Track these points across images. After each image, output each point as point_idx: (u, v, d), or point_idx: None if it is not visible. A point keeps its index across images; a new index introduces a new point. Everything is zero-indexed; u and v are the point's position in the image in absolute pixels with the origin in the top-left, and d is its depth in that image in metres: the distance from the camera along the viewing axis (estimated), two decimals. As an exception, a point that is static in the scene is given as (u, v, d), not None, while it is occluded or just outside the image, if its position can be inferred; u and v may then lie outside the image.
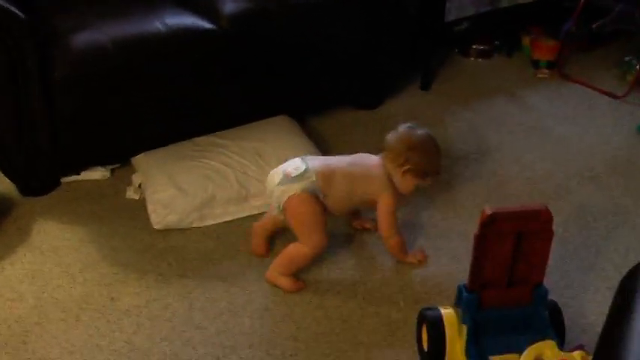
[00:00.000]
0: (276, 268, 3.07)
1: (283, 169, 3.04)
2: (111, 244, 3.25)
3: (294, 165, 3.05)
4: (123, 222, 3.37)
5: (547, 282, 2.79)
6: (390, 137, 3.14)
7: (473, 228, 2.61)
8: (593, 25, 4.72)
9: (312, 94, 3.98)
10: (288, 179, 3.00)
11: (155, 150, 3.58)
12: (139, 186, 3.49)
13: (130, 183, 3.54)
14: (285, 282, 3.07)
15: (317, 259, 3.15)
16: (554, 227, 2.65)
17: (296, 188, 2.98)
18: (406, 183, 3.12)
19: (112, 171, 3.65)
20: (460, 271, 2.96)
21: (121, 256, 3.19)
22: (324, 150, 3.70)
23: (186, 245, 3.25)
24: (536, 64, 4.71)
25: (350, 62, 3.94)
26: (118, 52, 3.32)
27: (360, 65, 3.99)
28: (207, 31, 3.48)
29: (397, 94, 4.30)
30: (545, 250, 2.66)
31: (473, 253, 2.62)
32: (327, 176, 3.04)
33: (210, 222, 3.36)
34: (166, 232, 3.31)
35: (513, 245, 2.63)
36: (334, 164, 3.12)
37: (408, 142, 3.10)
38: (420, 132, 3.16)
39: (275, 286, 3.07)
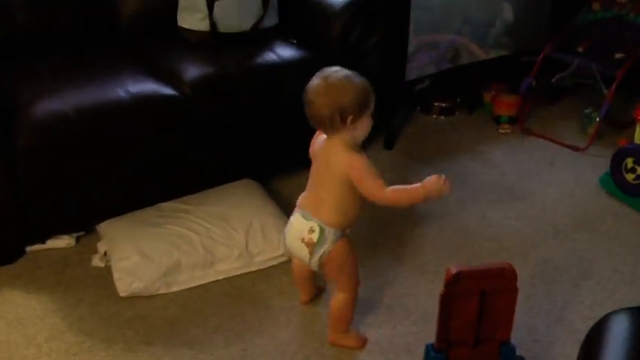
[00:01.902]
0: (335, 330, 3.09)
1: (300, 238, 2.94)
2: (77, 313, 3.22)
3: (306, 227, 2.93)
4: (89, 290, 3.35)
5: (514, 337, 2.81)
6: (311, 109, 2.87)
7: (439, 287, 2.64)
8: (553, 80, 4.78)
9: (275, 156, 4.01)
10: (314, 247, 2.92)
11: (120, 217, 3.57)
12: (105, 254, 3.47)
13: (95, 251, 3.52)
14: (350, 341, 3.10)
15: (290, 338, 3.18)
16: (519, 283, 2.67)
17: (327, 247, 2.91)
18: (361, 129, 2.88)
19: (78, 239, 3.63)
20: (428, 331, 2.96)
21: (87, 326, 3.16)
22: (289, 212, 3.69)
23: (152, 312, 3.23)
24: (497, 120, 4.75)
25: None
26: (80, 121, 3.32)
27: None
28: (169, 97, 3.51)
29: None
30: (510, 307, 2.68)
31: (439, 313, 2.63)
32: (329, 211, 2.90)
33: (176, 288, 3.35)
34: (133, 299, 3.29)
35: (479, 303, 2.64)
36: (319, 197, 2.94)
37: (330, 100, 2.80)
38: (324, 82, 2.85)
39: (343, 347, 3.08)
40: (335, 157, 2.87)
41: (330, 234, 2.90)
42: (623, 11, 4.71)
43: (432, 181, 2.86)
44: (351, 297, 3.03)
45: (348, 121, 2.81)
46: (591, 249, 3.68)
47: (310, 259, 2.94)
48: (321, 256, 2.92)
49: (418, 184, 2.86)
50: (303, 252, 2.95)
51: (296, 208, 3.02)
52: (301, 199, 3.04)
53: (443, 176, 2.87)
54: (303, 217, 2.96)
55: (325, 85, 2.83)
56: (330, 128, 2.85)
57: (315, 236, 2.90)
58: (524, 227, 3.82)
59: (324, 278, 3.17)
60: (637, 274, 3.51)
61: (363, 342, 3.11)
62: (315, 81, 2.86)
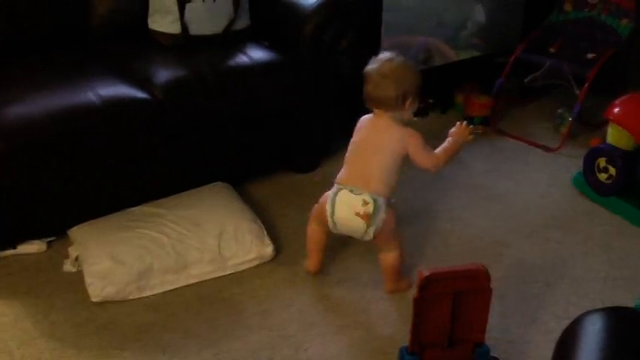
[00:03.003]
0: (392, 281, 3.36)
1: (355, 212, 3.17)
2: (49, 319, 3.20)
3: (359, 201, 3.16)
4: (60, 296, 3.32)
5: (489, 339, 2.81)
6: (377, 90, 3.18)
7: (412, 289, 2.62)
8: (525, 80, 4.79)
9: (248, 159, 3.99)
10: (371, 217, 3.16)
11: (91, 221, 3.54)
12: (76, 258, 3.44)
13: (67, 256, 3.49)
14: (404, 285, 3.38)
15: (263, 342, 3.17)
16: (492, 284, 2.67)
17: (382, 216, 3.18)
18: (411, 110, 3.26)
19: (49, 244, 3.60)
20: (402, 333, 2.96)
21: (59, 331, 3.14)
22: (263, 216, 3.70)
23: (124, 318, 3.21)
24: (470, 121, 4.74)
25: (284, 126, 3.96)
26: (51, 125, 3.30)
27: (294, 129, 4.01)
28: (141, 101, 3.49)
29: (333, 156, 4.28)
30: (483, 308, 2.68)
31: (412, 315, 2.63)
32: (378, 182, 3.18)
33: (148, 292, 3.33)
34: (105, 304, 3.26)
35: (452, 305, 2.64)
36: (368, 170, 3.20)
37: (396, 82, 3.16)
38: (389, 65, 3.20)
39: (399, 291, 3.36)
40: (391, 131, 3.22)
41: (383, 204, 3.17)
42: (595, 11, 4.74)
43: (459, 133, 3.35)
44: (400, 251, 3.31)
45: (408, 102, 3.20)
46: (564, 249, 3.69)
47: (367, 229, 3.19)
48: (377, 226, 3.16)
49: (451, 140, 3.35)
50: (357, 225, 3.20)
51: (337, 186, 3.25)
52: (343, 176, 3.27)
53: (464, 123, 3.39)
54: (352, 192, 3.19)
55: (391, 67, 3.19)
56: (391, 108, 3.19)
57: (370, 207, 3.15)
58: (498, 228, 3.83)
59: (376, 246, 3.35)
60: (610, 273, 3.52)
61: (411, 283, 3.32)
62: (378, 64, 3.20)
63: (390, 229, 3.23)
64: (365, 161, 3.24)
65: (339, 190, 3.22)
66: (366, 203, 3.15)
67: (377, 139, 3.24)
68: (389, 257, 3.30)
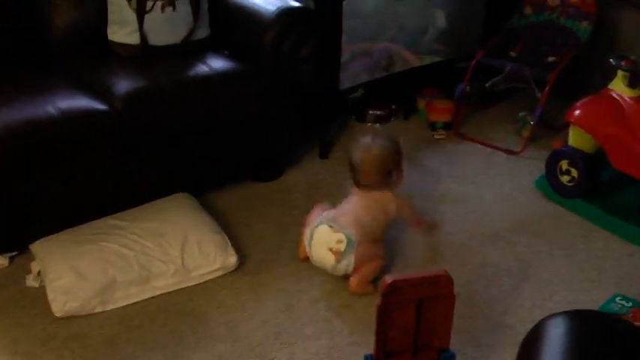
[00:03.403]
0: (362, 282, 3.40)
1: (328, 247, 3.37)
2: (11, 336, 3.16)
3: (335, 238, 3.37)
4: (23, 311, 3.28)
5: (454, 344, 2.80)
6: (364, 177, 3.47)
7: (376, 296, 2.62)
8: (487, 84, 4.80)
9: (210, 169, 3.96)
10: (342, 255, 3.35)
11: (53, 235, 3.51)
12: (39, 273, 3.41)
13: (29, 271, 3.45)
14: (371, 289, 3.39)
15: (229, 352, 3.14)
16: (457, 289, 2.67)
17: (352, 257, 3.35)
18: (400, 180, 3.57)
19: (11, 259, 3.56)
20: (366, 341, 2.94)
21: (23, 348, 3.10)
22: (226, 226, 3.68)
23: (89, 332, 3.18)
24: (433, 127, 4.76)
25: (246, 135, 3.94)
26: (9, 138, 3.26)
27: (256, 138, 3.99)
28: (100, 112, 3.46)
29: (296, 165, 4.31)
30: (448, 314, 2.68)
31: (376, 323, 2.62)
32: (362, 228, 3.39)
33: (112, 306, 3.30)
34: (69, 319, 3.23)
35: (416, 312, 2.63)
36: (359, 215, 3.43)
37: (381, 162, 3.46)
38: (369, 152, 3.48)
39: (363, 294, 3.39)
40: (384, 199, 3.49)
41: (355, 241, 3.35)
42: (555, 15, 4.76)
43: (428, 224, 3.75)
44: (383, 260, 3.48)
45: (394, 175, 3.51)
46: (529, 252, 3.70)
47: (336, 265, 3.37)
48: (348, 263, 3.35)
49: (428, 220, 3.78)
50: (328, 260, 3.39)
51: (320, 219, 3.46)
52: (329, 211, 3.50)
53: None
54: (331, 227, 3.39)
55: (370, 154, 3.46)
56: (381, 187, 3.47)
57: (342, 246, 3.35)
58: (462, 232, 3.83)
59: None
60: (575, 275, 3.53)
61: (375, 289, 3.34)
62: (360, 153, 3.48)
63: (366, 259, 3.38)
64: (353, 206, 3.48)
65: (319, 223, 3.43)
66: (340, 242, 3.34)
67: (370, 198, 3.49)
68: (371, 264, 3.41)
